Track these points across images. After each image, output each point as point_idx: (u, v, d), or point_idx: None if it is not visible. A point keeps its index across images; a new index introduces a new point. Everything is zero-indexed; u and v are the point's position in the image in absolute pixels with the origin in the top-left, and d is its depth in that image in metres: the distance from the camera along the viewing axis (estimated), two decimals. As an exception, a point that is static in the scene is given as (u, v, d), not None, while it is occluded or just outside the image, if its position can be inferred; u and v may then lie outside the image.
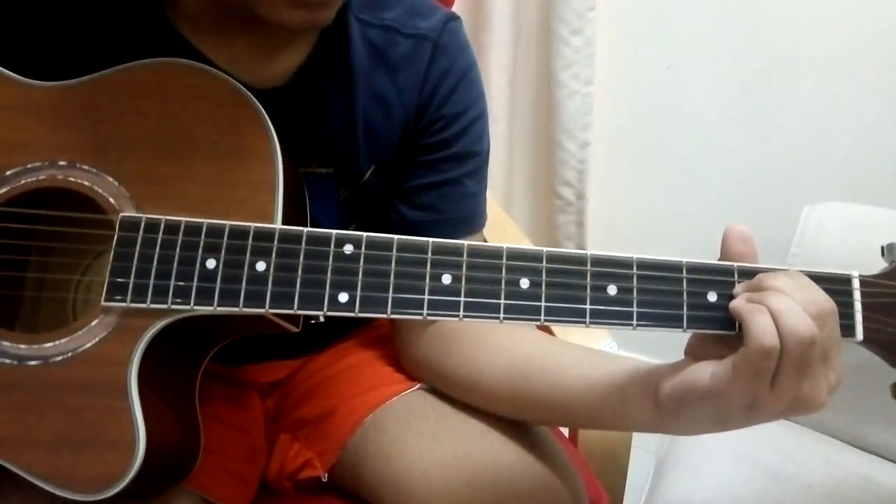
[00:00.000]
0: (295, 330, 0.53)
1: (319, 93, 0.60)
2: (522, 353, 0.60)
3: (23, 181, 0.51)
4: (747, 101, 1.35)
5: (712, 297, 0.45)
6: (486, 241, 0.90)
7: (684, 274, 0.46)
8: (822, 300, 0.43)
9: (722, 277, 0.46)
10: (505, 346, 0.61)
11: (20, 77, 0.53)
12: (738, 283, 0.45)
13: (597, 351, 0.61)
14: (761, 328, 0.41)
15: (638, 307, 0.45)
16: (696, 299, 0.45)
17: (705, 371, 0.44)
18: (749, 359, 0.41)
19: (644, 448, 0.89)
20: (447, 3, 1.09)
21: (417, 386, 0.67)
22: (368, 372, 0.71)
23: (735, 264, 0.46)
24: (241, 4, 0.50)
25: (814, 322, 0.41)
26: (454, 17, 0.66)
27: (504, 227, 1.11)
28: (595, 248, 1.50)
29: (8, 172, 0.51)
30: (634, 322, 0.45)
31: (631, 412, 0.51)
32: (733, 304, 0.44)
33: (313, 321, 0.52)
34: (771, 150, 1.35)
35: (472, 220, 0.68)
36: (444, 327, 0.64)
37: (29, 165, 0.51)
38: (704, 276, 0.46)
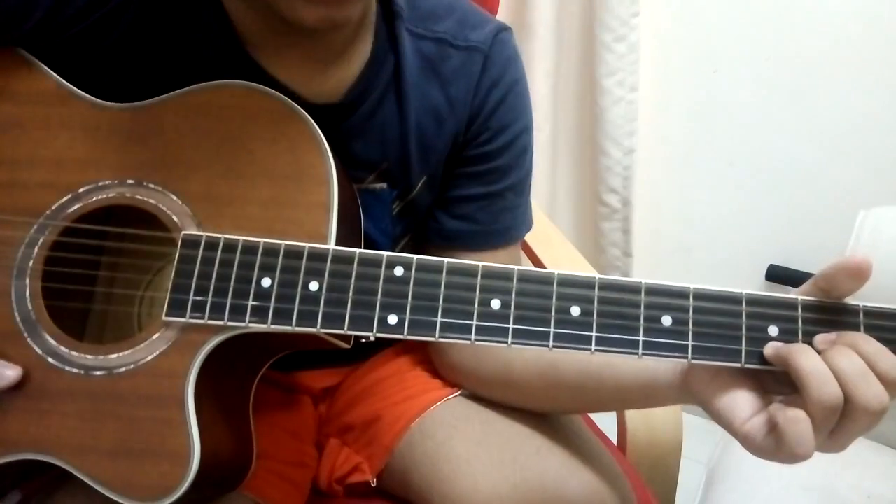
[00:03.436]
0: (346, 346, 0.54)
1: (373, 107, 0.61)
2: (550, 358, 0.60)
3: (94, 198, 0.53)
4: (797, 104, 1.32)
5: (773, 331, 0.44)
6: (529, 249, 0.91)
7: (744, 306, 0.44)
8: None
9: (785, 311, 0.44)
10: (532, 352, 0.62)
11: (92, 97, 0.55)
12: (803, 318, 0.44)
13: None
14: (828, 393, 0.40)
15: (693, 340, 0.44)
16: (756, 333, 0.44)
17: (742, 412, 0.43)
18: (796, 430, 0.40)
19: (695, 459, 0.89)
20: (491, 11, 1.10)
21: (458, 392, 0.68)
22: (411, 378, 0.72)
23: (799, 298, 0.44)
24: (267, 5, 0.50)
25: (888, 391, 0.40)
26: (505, 28, 0.66)
27: (549, 234, 1.10)
28: (641, 254, 1.49)
29: (80, 189, 0.53)
30: (689, 355, 0.44)
31: (660, 393, 0.52)
32: (799, 363, 0.41)
33: (364, 340, 0.53)
34: (822, 153, 1.32)
35: (509, 233, 0.68)
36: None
37: (99, 183, 0.53)
38: (766, 309, 0.44)
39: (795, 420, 0.40)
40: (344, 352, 0.72)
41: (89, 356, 0.50)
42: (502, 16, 1.15)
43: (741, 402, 0.44)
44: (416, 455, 0.64)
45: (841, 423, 0.41)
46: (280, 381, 0.73)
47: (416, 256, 0.47)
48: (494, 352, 0.63)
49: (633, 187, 1.42)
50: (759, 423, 0.43)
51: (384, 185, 0.64)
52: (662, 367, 0.51)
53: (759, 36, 1.31)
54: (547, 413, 0.65)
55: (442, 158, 0.65)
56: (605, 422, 0.80)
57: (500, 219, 0.67)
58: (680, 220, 1.49)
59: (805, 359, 0.41)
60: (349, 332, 0.47)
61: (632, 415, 0.79)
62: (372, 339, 0.48)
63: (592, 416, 0.83)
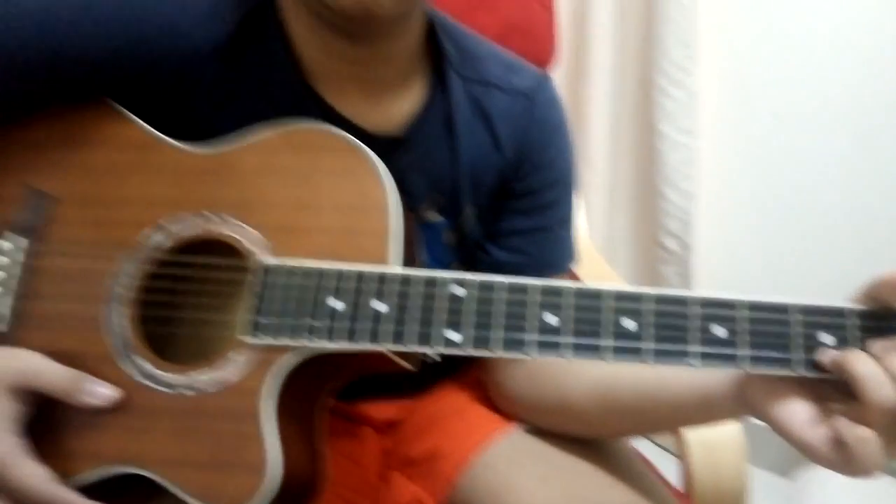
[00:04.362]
0: (413, 370, 0.57)
1: (427, 142, 0.66)
2: (605, 371, 0.62)
3: (179, 232, 0.58)
4: (860, 148, 1.31)
5: (827, 339, 0.45)
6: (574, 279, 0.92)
7: (796, 316, 0.45)
8: None
9: (837, 319, 0.45)
10: (586, 368, 0.63)
11: (175, 142, 0.61)
12: (856, 325, 0.44)
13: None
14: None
15: (748, 350, 0.45)
16: (810, 341, 0.45)
17: (800, 421, 0.44)
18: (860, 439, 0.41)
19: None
20: (549, 57, 1.14)
21: (518, 426, 0.69)
22: (471, 413, 0.73)
23: (851, 306, 0.45)
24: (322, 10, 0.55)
25: None
26: (546, 76, 0.72)
27: (605, 278, 1.11)
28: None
29: (167, 224, 0.58)
30: (745, 365, 0.45)
31: (717, 406, 0.53)
32: (855, 368, 0.42)
33: (429, 360, 0.56)
34: (888, 196, 1.30)
35: (557, 263, 0.71)
36: (528, 366, 0.67)
37: (184, 218, 0.58)
38: (818, 317, 0.45)
39: (865, 441, 0.41)
40: (405, 383, 0.75)
41: (177, 376, 0.54)
42: (562, 61, 1.19)
43: (799, 411, 0.44)
44: (479, 489, 0.65)
45: None
46: (345, 412, 0.76)
47: (477, 275, 0.50)
48: (551, 380, 0.65)
49: (692, 232, 1.41)
50: (823, 435, 0.43)
51: (437, 215, 0.68)
52: (716, 380, 0.52)
53: (821, 81, 1.32)
54: (605, 438, 0.65)
55: (490, 192, 0.69)
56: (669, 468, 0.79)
57: (548, 251, 0.70)
58: (741, 264, 1.48)
59: (861, 364, 0.41)
60: (416, 350, 0.50)
61: (697, 460, 0.79)
62: (437, 358, 0.51)
63: (658, 465, 0.82)
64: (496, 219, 0.70)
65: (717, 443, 0.77)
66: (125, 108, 0.62)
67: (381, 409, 0.78)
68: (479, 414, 0.73)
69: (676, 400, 0.56)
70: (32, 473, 0.51)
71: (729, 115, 1.40)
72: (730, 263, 1.48)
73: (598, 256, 1.19)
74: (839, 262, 1.35)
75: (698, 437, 0.78)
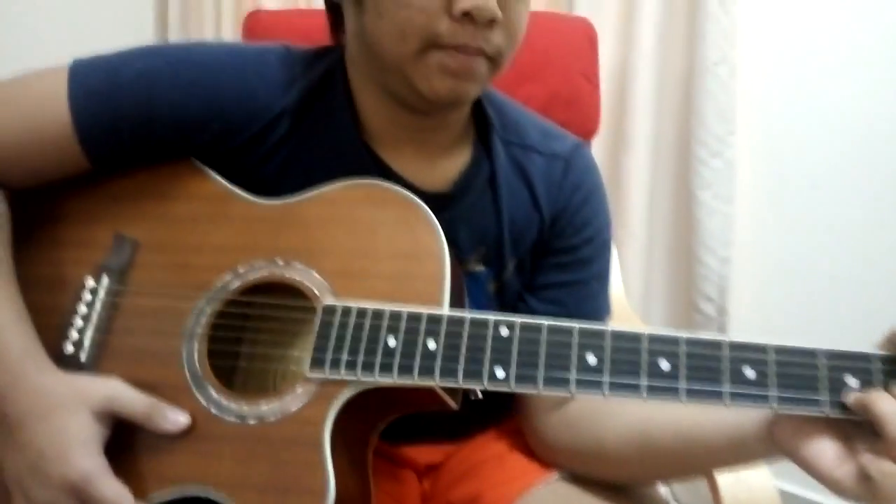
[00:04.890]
0: (455, 407, 0.61)
1: (473, 199, 0.72)
2: (639, 416, 0.65)
3: (250, 276, 0.64)
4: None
5: (852, 381, 0.48)
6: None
7: (822, 360, 0.49)
8: None
9: (862, 364, 0.48)
10: (620, 413, 0.67)
11: (248, 195, 0.68)
12: (879, 370, 0.48)
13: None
14: None
15: (776, 390, 0.49)
16: (836, 384, 0.48)
17: (828, 459, 0.47)
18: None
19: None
20: (592, 126, 1.20)
21: (557, 475, 0.72)
22: (511, 460, 0.76)
23: (875, 352, 0.48)
24: (407, 85, 0.62)
25: None
26: (582, 143, 0.78)
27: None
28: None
29: (239, 269, 0.64)
30: (776, 405, 0.49)
31: (749, 448, 0.55)
32: (877, 406, 0.45)
33: (473, 398, 0.60)
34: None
35: (593, 317, 0.75)
36: (566, 412, 0.70)
37: (254, 264, 0.64)
38: (843, 361, 0.49)
39: (889, 475, 0.43)
40: (448, 428, 0.79)
41: (244, 406, 0.59)
42: (603, 129, 1.26)
43: (826, 449, 0.47)
44: None
45: None
46: (388, 454, 0.79)
47: (519, 317, 0.54)
48: (588, 425, 0.68)
49: (728, 296, 1.43)
50: (850, 471, 0.46)
51: (481, 266, 0.73)
52: (748, 422, 0.54)
53: (860, 155, 1.35)
54: (640, 481, 0.67)
55: (529, 246, 0.74)
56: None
57: (584, 305, 0.74)
58: (779, 333, 1.48)
59: (883, 403, 0.45)
60: (463, 386, 0.54)
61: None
62: (479, 396, 0.55)
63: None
64: (535, 273, 0.75)
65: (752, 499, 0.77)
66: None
67: (424, 453, 0.81)
68: (518, 461, 0.75)
69: (710, 441, 0.58)
70: (114, 491, 0.55)
71: (765, 184, 1.44)
72: (765, 328, 1.49)
73: (634, 315, 1.22)
74: (874, 328, 1.35)
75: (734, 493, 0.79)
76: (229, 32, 1.57)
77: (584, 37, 1.19)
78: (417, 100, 0.64)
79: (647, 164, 1.45)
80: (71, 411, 0.57)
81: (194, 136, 0.67)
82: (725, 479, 0.75)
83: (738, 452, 0.57)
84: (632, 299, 1.45)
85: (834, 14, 1.36)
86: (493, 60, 0.62)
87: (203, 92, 0.66)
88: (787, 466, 0.51)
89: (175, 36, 1.60)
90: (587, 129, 1.19)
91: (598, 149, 1.40)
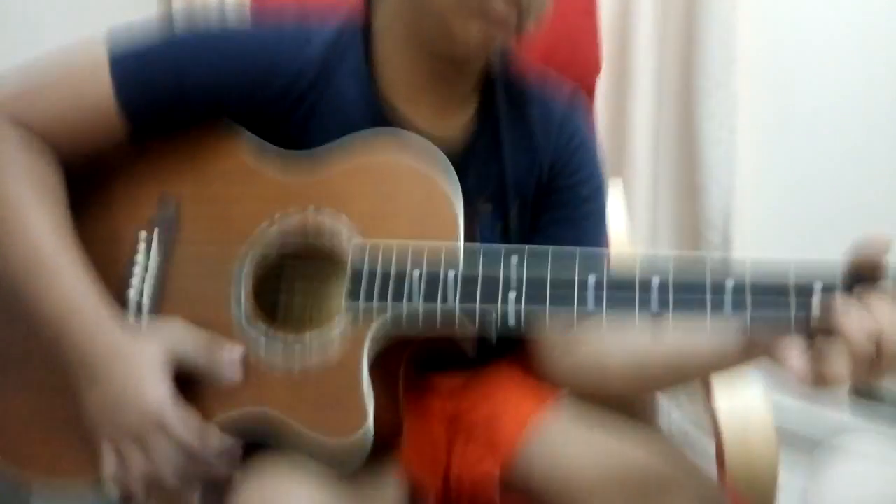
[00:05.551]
0: (471, 353, 0.70)
1: (480, 146, 0.79)
2: (637, 339, 0.73)
3: (287, 222, 0.71)
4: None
5: (818, 286, 0.56)
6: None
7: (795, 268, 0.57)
8: None
9: (829, 270, 0.56)
10: (619, 338, 0.74)
11: (277, 149, 0.74)
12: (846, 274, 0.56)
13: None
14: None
15: (752, 296, 0.56)
16: (804, 290, 0.56)
17: (795, 353, 0.55)
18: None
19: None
20: (594, 63, 1.24)
21: (564, 395, 0.81)
22: (524, 384, 0.85)
23: (844, 259, 0.56)
24: (445, 34, 0.69)
25: None
26: (576, 92, 0.86)
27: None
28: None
29: (276, 216, 0.72)
30: (752, 311, 0.56)
31: (734, 358, 0.63)
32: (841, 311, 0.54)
33: (488, 341, 0.68)
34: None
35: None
36: (569, 342, 0.78)
37: (289, 211, 0.71)
38: (813, 269, 0.57)
39: (836, 358, 0.53)
40: (467, 360, 0.87)
41: (290, 338, 0.68)
42: (605, 65, 1.28)
43: (794, 345, 0.55)
44: (535, 457, 0.77)
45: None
46: (415, 383, 0.86)
47: (527, 246, 0.62)
48: (590, 354, 0.77)
49: (732, 224, 1.49)
50: (806, 359, 0.54)
51: (489, 207, 0.80)
52: (732, 339, 0.62)
53: (858, 80, 1.39)
54: (639, 394, 0.77)
55: (530, 186, 0.81)
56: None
57: (582, 241, 0.81)
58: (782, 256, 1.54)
59: (843, 307, 0.53)
60: (480, 308, 0.62)
61: (729, 436, 0.85)
62: (493, 341, 0.63)
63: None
64: (536, 214, 0.82)
65: (749, 422, 0.84)
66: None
67: (446, 381, 0.89)
68: (531, 384, 0.85)
69: (702, 362, 0.66)
70: (187, 413, 0.65)
71: (767, 112, 1.48)
72: (768, 254, 1.55)
73: (643, 249, 1.28)
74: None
75: (731, 418, 0.85)
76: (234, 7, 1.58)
77: (582, -26, 1.22)
78: (448, 45, 0.70)
79: (652, 97, 1.49)
80: (143, 350, 0.66)
81: (226, 98, 0.73)
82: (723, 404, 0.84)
83: (725, 362, 0.64)
84: (639, 229, 1.52)
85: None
86: (522, 16, 0.69)
87: (231, 54, 0.73)
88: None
89: (179, 9, 1.63)
90: (590, 68, 1.23)
91: (601, 85, 1.43)
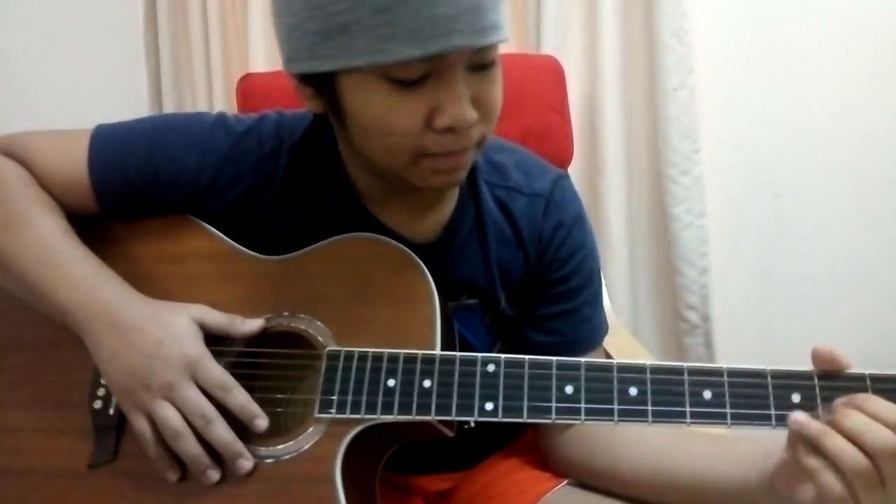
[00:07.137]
0: (450, 434, 0.67)
1: (462, 242, 0.77)
2: (654, 447, 0.71)
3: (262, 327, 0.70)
4: (868, 224, 1.41)
5: (796, 398, 0.55)
6: (606, 353, 1.03)
7: (769, 380, 0.56)
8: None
9: (805, 382, 0.55)
10: (636, 441, 0.72)
11: (252, 253, 0.73)
12: (820, 387, 0.55)
13: (716, 438, 0.70)
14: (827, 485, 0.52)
15: (731, 409, 0.56)
16: (782, 401, 0.55)
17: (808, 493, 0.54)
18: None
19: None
20: (566, 156, 1.27)
21: (565, 481, 0.77)
22: (521, 474, 0.82)
23: (815, 370, 0.55)
24: (401, 179, 0.68)
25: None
26: (563, 176, 0.82)
27: (633, 351, 1.19)
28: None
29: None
30: (728, 421, 0.56)
31: (757, 499, 0.61)
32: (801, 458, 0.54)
33: (466, 426, 0.66)
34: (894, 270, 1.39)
35: (590, 339, 0.81)
36: (582, 429, 0.76)
37: (263, 316, 0.70)
38: (788, 381, 0.56)
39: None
40: (454, 459, 0.85)
41: (261, 448, 0.66)
42: (577, 159, 1.33)
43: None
44: None
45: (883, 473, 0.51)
46: (397, 484, 0.85)
47: (503, 356, 0.61)
48: (602, 449, 0.74)
49: (710, 304, 1.51)
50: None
51: (475, 301, 0.78)
52: (756, 473, 0.61)
53: (818, 162, 1.44)
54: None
55: (518, 279, 0.79)
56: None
57: (580, 329, 0.80)
58: (761, 333, 1.56)
59: (828, 439, 0.52)
60: (457, 419, 0.61)
61: None
62: (472, 424, 0.61)
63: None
64: (531, 305, 0.80)
65: None
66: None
67: (433, 482, 0.87)
68: (528, 474, 0.81)
69: (724, 487, 0.64)
70: (220, 370, 0.65)
71: (732, 195, 1.53)
72: (747, 329, 1.57)
73: (625, 332, 1.28)
74: (854, 327, 1.43)
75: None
76: (220, 96, 1.64)
77: (551, 73, 1.27)
78: (410, 185, 0.68)
79: (623, 186, 1.53)
80: (176, 314, 0.67)
81: (195, 197, 0.74)
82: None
83: (746, 500, 0.63)
84: (620, 314, 1.53)
85: (780, 34, 1.45)
86: (479, 144, 0.66)
87: (207, 160, 0.73)
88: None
89: (169, 101, 1.67)
90: (562, 159, 1.26)
91: (574, 176, 1.46)
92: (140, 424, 0.64)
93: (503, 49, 0.65)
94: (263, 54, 1.60)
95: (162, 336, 0.65)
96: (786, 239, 1.51)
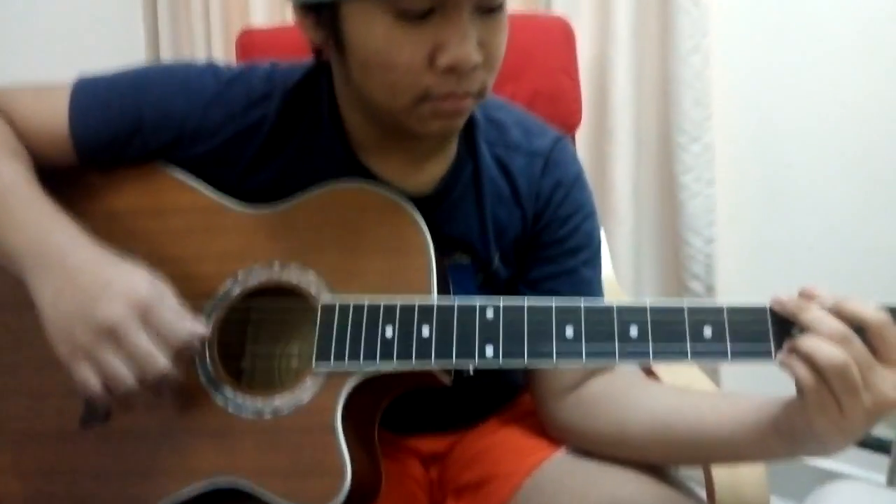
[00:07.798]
0: (448, 383, 0.66)
1: (458, 198, 0.76)
2: (663, 406, 0.69)
3: (250, 281, 0.68)
4: (876, 190, 1.38)
5: (796, 330, 0.56)
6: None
7: (768, 315, 0.56)
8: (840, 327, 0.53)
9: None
10: (644, 403, 0.70)
11: (239, 205, 0.71)
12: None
13: (723, 395, 0.70)
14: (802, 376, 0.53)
15: (731, 344, 0.55)
16: (783, 335, 0.55)
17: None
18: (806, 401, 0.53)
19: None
20: (574, 120, 1.25)
21: (563, 450, 0.76)
22: (519, 441, 0.80)
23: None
24: (399, 123, 0.66)
25: (840, 348, 0.51)
26: (562, 137, 0.81)
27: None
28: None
29: (239, 275, 0.69)
30: (729, 357, 0.55)
31: (768, 445, 0.60)
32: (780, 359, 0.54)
33: (465, 374, 0.64)
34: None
35: None
36: (584, 394, 0.74)
37: (253, 268, 0.69)
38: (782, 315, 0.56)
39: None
40: (450, 418, 0.84)
41: (259, 402, 0.65)
42: (585, 122, 1.31)
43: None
44: None
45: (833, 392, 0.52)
46: (393, 443, 0.83)
47: (502, 299, 0.60)
48: (608, 414, 0.72)
49: (715, 274, 1.49)
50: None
51: (467, 259, 0.77)
52: (765, 419, 0.60)
53: (828, 130, 1.41)
54: (656, 464, 0.71)
55: (513, 238, 0.78)
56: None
57: (579, 291, 0.78)
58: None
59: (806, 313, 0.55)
60: (457, 366, 0.60)
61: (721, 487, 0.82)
62: (471, 372, 0.60)
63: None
64: (529, 267, 0.79)
65: (739, 469, 0.80)
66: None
67: (427, 443, 0.86)
68: (525, 442, 0.80)
69: (733, 438, 0.63)
70: (178, 315, 0.61)
71: (742, 165, 1.50)
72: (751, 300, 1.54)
73: (623, 296, 1.25)
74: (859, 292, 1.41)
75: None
76: (219, 51, 1.61)
77: (561, 34, 1.24)
78: (409, 133, 0.67)
79: (631, 152, 1.50)
80: (132, 267, 0.61)
81: (182, 142, 0.72)
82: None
83: (757, 449, 0.62)
84: (623, 282, 1.51)
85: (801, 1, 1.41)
86: (480, 93, 0.65)
87: (182, 96, 0.72)
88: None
89: (167, 56, 1.66)
90: (570, 123, 1.24)
91: (582, 141, 1.45)
92: (82, 372, 0.58)
93: (512, 9, 0.63)
94: (263, 8, 1.57)
95: (113, 276, 0.60)
96: (795, 210, 1.49)
